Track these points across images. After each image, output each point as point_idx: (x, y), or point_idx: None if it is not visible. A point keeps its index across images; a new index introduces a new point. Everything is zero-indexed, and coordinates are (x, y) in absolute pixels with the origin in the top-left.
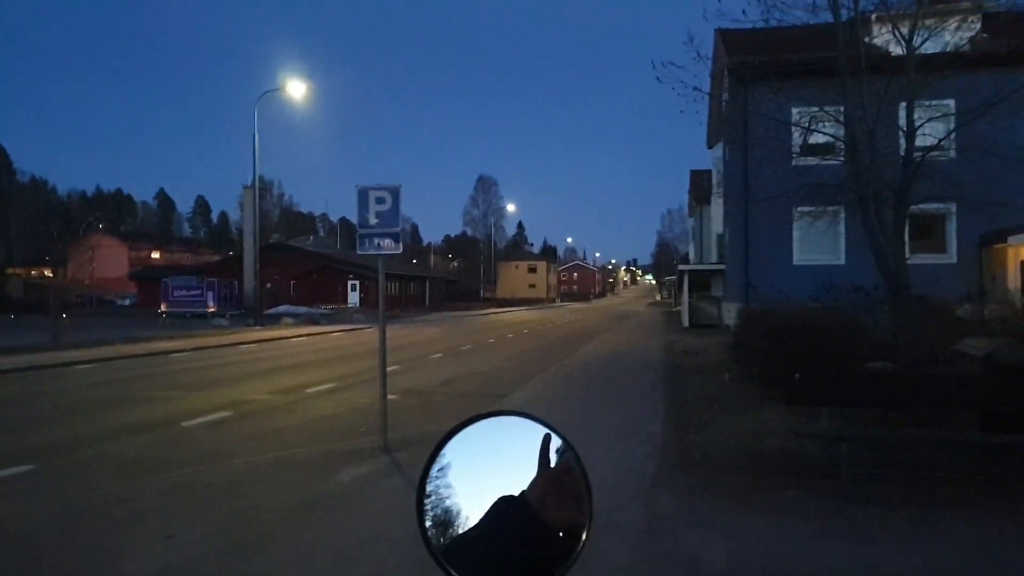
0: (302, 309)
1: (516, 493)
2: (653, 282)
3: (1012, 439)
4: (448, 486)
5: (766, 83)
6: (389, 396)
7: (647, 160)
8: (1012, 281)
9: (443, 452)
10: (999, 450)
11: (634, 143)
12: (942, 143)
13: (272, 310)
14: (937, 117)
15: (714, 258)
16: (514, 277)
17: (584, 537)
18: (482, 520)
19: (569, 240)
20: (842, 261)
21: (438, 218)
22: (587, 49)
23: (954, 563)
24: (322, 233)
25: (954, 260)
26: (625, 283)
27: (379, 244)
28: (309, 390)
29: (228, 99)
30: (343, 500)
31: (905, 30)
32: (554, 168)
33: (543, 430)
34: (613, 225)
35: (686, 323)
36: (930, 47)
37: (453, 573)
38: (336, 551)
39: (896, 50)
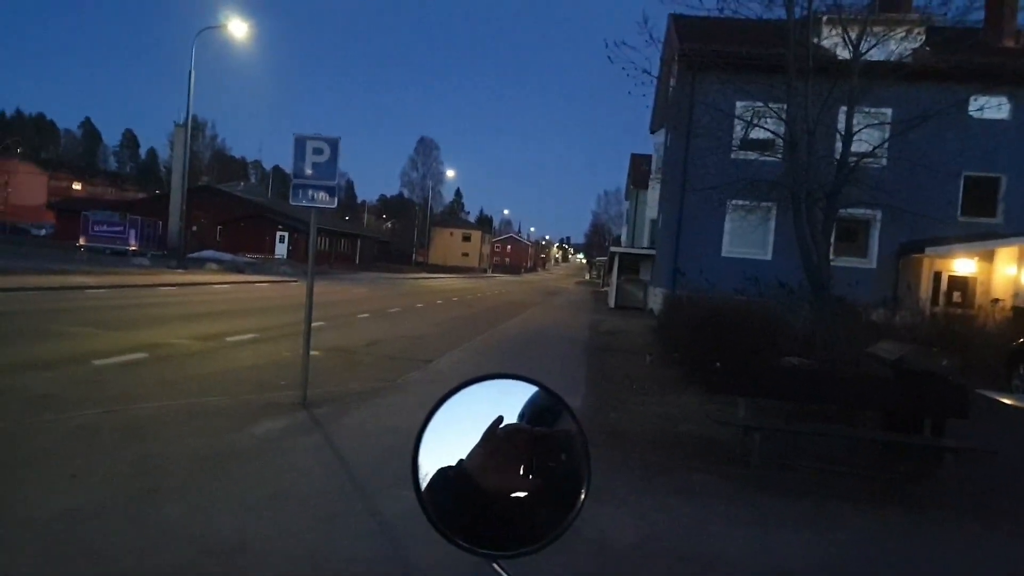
0: (227, 256)
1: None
2: (584, 261)
3: (911, 439)
4: (432, 450)
5: (715, 73)
6: (313, 352)
7: (590, 140)
8: (924, 291)
9: (435, 415)
10: (899, 449)
11: (579, 123)
12: (876, 150)
13: (196, 254)
14: (874, 124)
15: (646, 243)
16: (448, 244)
17: (579, 504)
18: (425, 489)
19: (506, 212)
20: (769, 257)
21: (375, 177)
22: (540, 25)
23: (846, 552)
24: (254, 180)
25: (873, 266)
26: (557, 260)
27: (313, 196)
28: (229, 339)
29: (166, 30)
30: (257, 453)
31: (854, 35)
32: (497, 139)
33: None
34: (550, 201)
35: (612, 304)
36: (876, 55)
37: (448, 534)
38: (244, 505)
39: (843, 54)
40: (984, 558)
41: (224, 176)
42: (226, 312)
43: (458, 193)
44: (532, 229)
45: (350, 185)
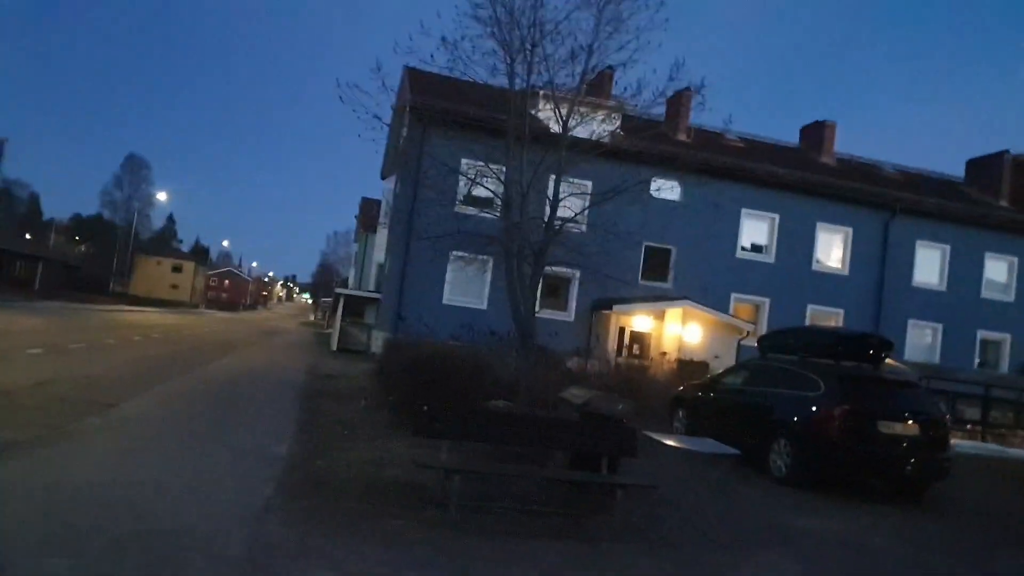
0: None
1: None
2: (310, 301)
3: (590, 477)
4: None
5: (443, 128)
6: None
7: (323, 179)
8: (612, 342)
9: None
10: (582, 487)
11: (312, 160)
12: (577, 217)
13: None
14: (577, 193)
15: (372, 286)
16: (154, 274)
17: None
18: None
19: (225, 244)
20: (484, 306)
21: (70, 193)
22: (275, 57)
23: None
24: None
25: (572, 319)
26: (280, 298)
27: None
28: None
29: None
30: None
31: (564, 111)
32: (222, 168)
33: None
34: (277, 237)
35: (335, 346)
36: (581, 132)
37: None
38: None
39: (555, 128)
40: None
41: None
42: None
43: (171, 219)
44: (255, 264)
45: (35, 198)
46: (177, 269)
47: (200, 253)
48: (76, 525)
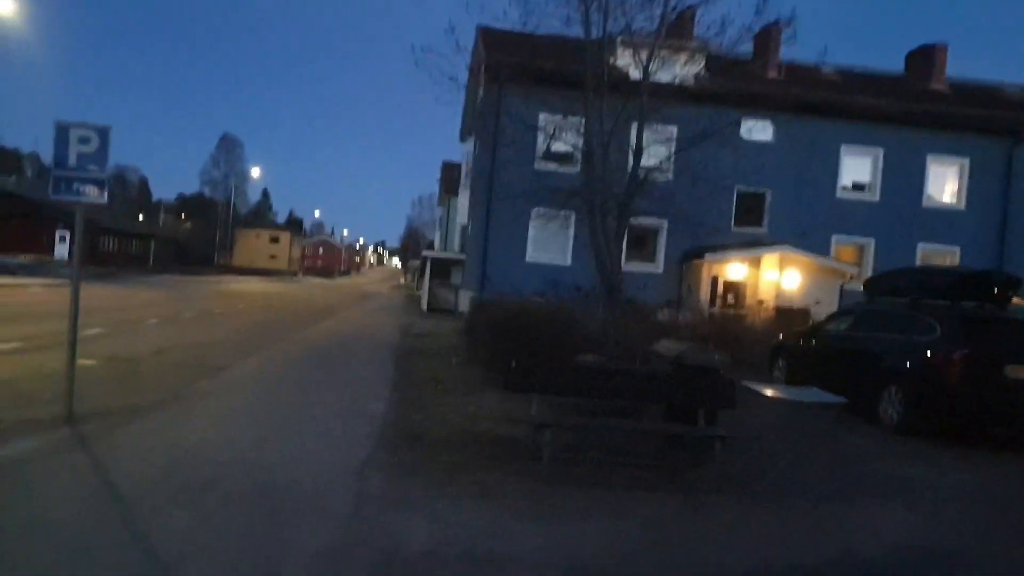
0: None
1: None
2: (400, 266)
3: (687, 429)
4: None
5: (519, 85)
6: (88, 362)
7: (404, 145)
8: (704, 293)
9: None
10: (677, 439)
11: (392, 127)
12: (662, 165)
13: None
14: (661, 140)
15: (457, 248)
16: (254, 246)
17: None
18: None
19: (317, 214)
20: (568, 262)
21: (173, 174)
22: (350, 27)
23: (629, 538)
24: (29, 174)
25: (661, 271)
26: (372, 264)
27: (79, 190)
28: None
29: None
30: (4, 475)
31: (644, 57)
32: (308, 141)
33: None
34: (365, 205)
35: (425, 307)
36: (662, 77)
37: None
38: None
39: (635, 75)
40: (749, 535)
41: None
42: None
43: (265, 193)
44: (346, 232)
45: (144, 182)
46: (275, 240)
47: (295, 224)
48: (193, 482)
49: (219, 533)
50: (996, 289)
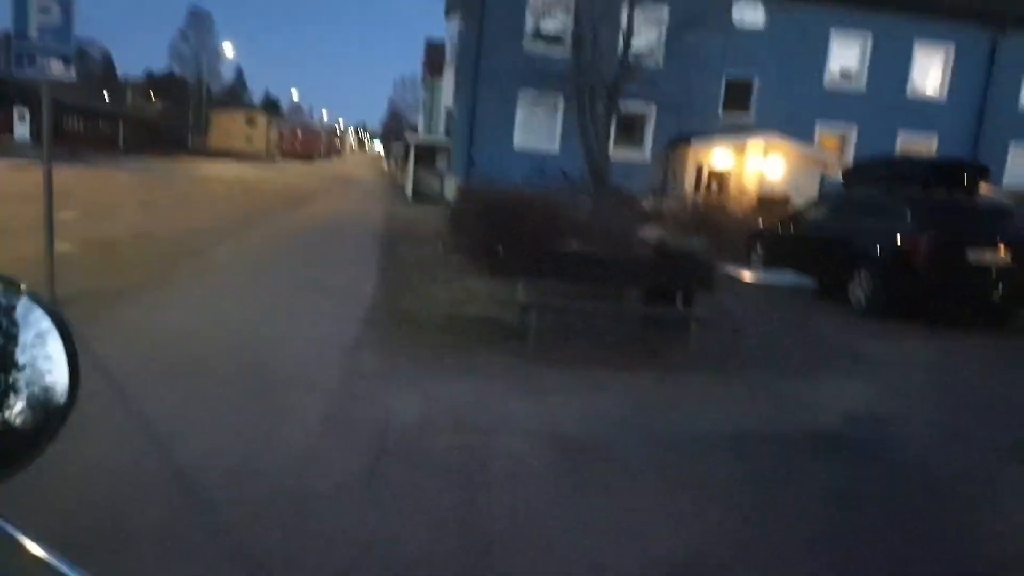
0: None
1: None
2: (382, 153)
3: (665, 311)
4: None
5: None
6: (65, 247)
7: (386, 21)
8: (688, 180)
9: None
10: (656, 320)
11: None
12: (653, 49)
13: None
14: (652, 22)
15: (442, 132)
16: (229, 128)
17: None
18: None
19: (294, 95)
20: (556, 149)
21: (140, 50)
22: None
23: (609, 410)
24: None
25: (647, 158)
26: (353, 148)
27: (43, 65)
28: None
29: None
30: None
31: None
32: (282, 16)
33: None
34: (344, 84)
35: (409, 194)
36: None
37: None
38: None
39: None
40: (720, 407)
41: None
42: None
43: (239, 72)
44: (324, 113)
45: (107, 58)
46: (251, 122)
47: (271, 106)
48: (183, 362)
49: (213, 410)
50: (965, 177)
